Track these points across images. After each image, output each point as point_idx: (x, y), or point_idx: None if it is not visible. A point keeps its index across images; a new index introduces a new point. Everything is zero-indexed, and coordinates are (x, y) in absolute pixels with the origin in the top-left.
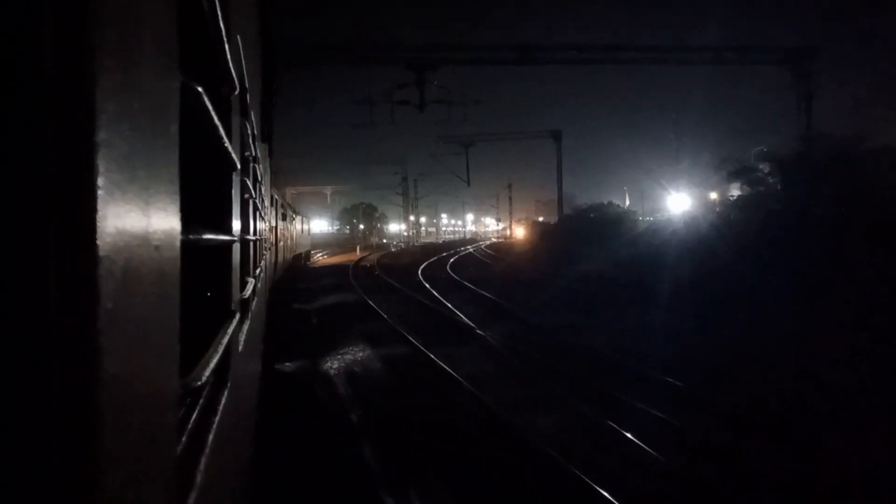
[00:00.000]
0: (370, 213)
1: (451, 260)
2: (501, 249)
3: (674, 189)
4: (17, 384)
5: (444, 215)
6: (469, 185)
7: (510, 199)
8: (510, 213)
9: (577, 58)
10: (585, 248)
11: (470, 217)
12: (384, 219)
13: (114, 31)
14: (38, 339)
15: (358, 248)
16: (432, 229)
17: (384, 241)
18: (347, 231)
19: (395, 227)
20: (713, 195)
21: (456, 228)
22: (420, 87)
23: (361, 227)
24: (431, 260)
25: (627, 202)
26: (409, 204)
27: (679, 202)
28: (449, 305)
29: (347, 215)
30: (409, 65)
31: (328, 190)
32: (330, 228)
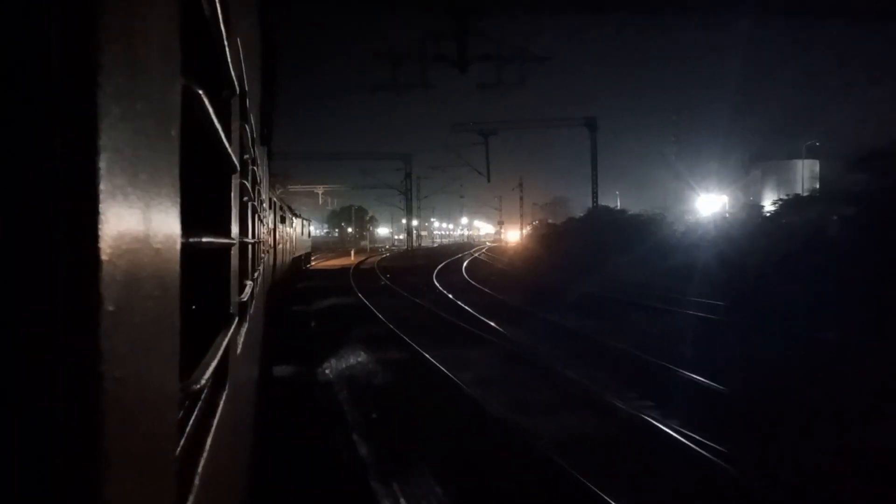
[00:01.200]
0: (360, 216)
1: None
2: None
3: (703, 190)
4: (21, 386)
5: (433, 219)
6: (490, 180)
7: (521, 198)
8: (521, 215)
9: (668, 3)
10: (613, 257)
11: (464, 220)
12: (374, 222)
13: (118, 35)
14: (41, 342)
15: (352, 253)
16: (424, 233)
17: (374, 244)
18: (336, 234)
19: (385, 231)
20: (724, 197)
21: (447, 232)
22: (461, 38)
23: (350, 230)
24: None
25: (618, 205)
26: (412, 204)
27: (709, 203)
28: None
29: (336, 218)
30: (448, 6)
31: (320, 189)
32: (319, 231)
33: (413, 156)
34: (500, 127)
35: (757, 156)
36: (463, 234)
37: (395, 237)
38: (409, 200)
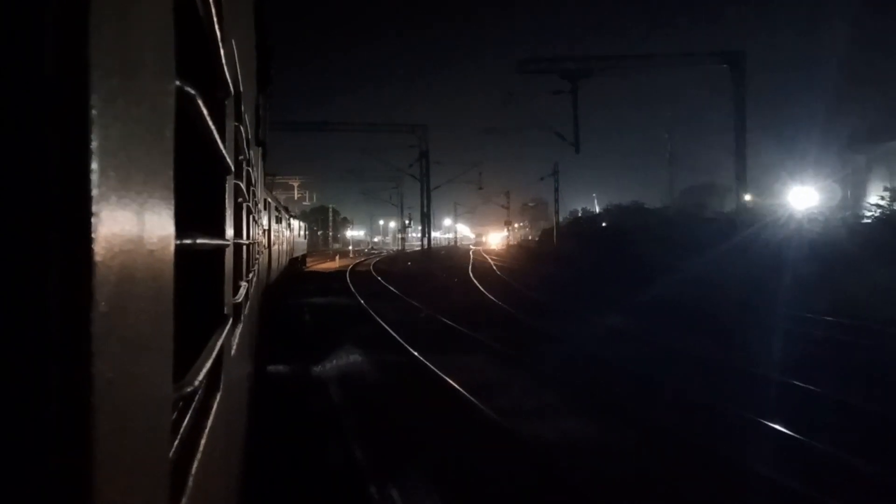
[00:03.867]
0: (334, 217)
1: None
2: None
3: (796, 181)
4: (12, 387)
5: (408, 221)
6: (578, 150)
7: (556, 189)
8: (556, 211)
9: None
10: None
11: (447, 222)
12: (347, 224)
13: (111, 36)
14: (33, 343)
15: (338, 258)
16: (401, 235)
17: (349, 247)
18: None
19: (359, 233)
20: (802, 190)
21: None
22: None
23: (321, 232)
24: None
25: (597, 209)
26: (426, 192)
27: (805, 197)
28: None
29: (307, 219)
30: None
31: (295, 182)
32: None
33: (430, 129)
34: (597, 65)
35: (860, 138)
36: (450, 238)
37: (373, 240)
38: (424, 186)
